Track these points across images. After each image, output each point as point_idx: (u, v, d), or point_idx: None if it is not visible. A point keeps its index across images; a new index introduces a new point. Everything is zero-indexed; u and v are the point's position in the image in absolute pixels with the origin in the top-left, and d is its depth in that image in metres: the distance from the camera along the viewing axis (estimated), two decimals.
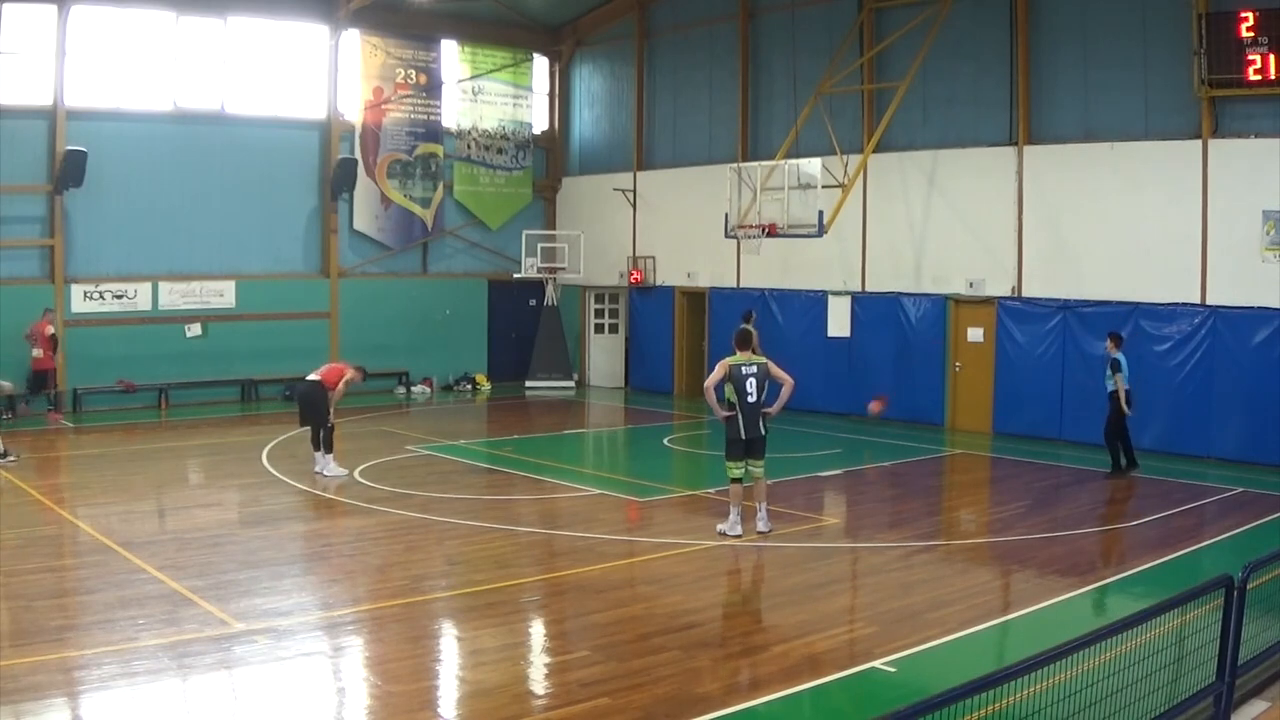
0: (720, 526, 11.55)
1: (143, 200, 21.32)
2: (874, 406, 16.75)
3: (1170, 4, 16.79)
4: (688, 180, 24.07)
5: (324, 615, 8.94)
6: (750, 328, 12.04)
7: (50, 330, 19.47)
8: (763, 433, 11.42)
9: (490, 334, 26.25)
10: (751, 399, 11.31)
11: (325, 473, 14.55)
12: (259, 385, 22.60)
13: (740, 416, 11.33)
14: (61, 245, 20.56)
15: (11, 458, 15.27)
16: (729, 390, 11.33)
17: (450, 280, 25.69)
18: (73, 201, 20.60)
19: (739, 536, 11.36)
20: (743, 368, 11.33)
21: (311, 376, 15.05)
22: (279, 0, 22.59)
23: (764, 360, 11.49)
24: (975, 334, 19.41)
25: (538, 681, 7.72)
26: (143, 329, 21.15)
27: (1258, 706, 6.71)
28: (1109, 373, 14.92)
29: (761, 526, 11.57)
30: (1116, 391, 14.76)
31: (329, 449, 14.69)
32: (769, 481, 11.99)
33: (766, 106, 22.83)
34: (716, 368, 11.44)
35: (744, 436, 11.34)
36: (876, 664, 7.81)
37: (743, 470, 11.43)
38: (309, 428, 15.01)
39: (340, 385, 14.78)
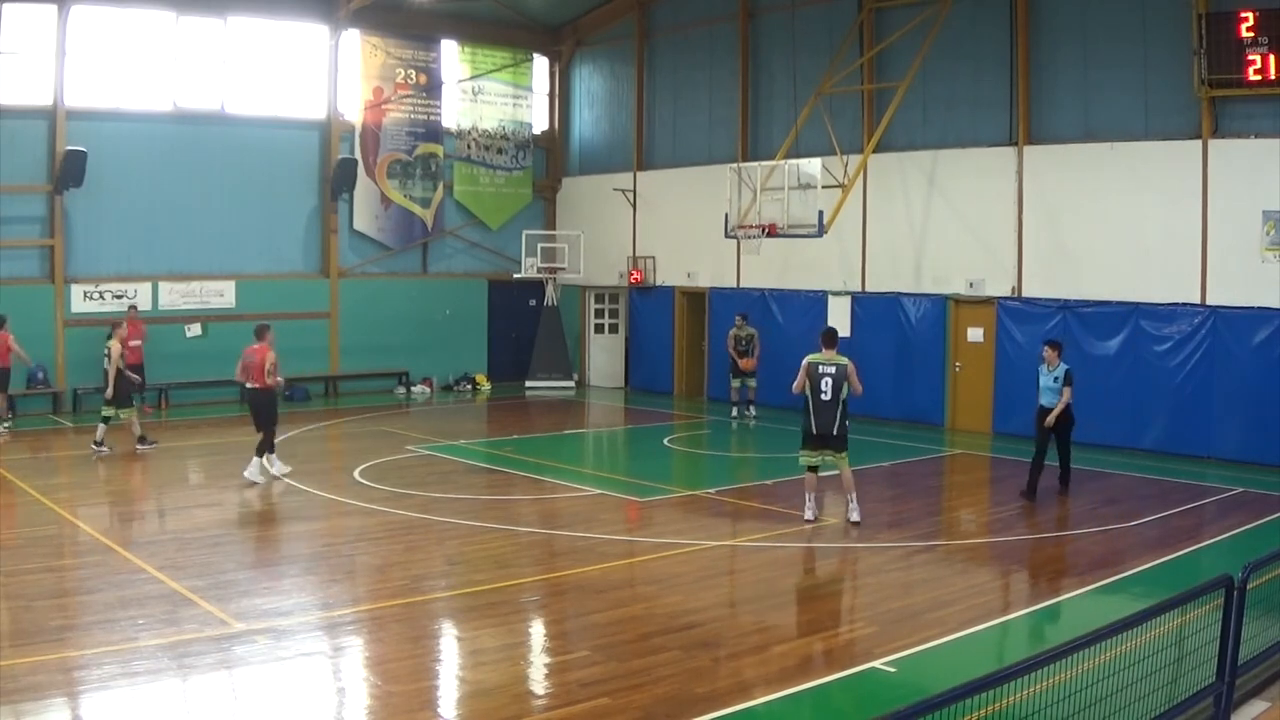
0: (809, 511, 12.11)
1: (143, 200, 21.33)
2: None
3: (1170, 4, 16.79)
4: (688, 180, 24.07)
5: (324, 615, 8.94)
6: (832, 327, 12.84)
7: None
8: (835, 431, 11.97)
9: (490, 334, 26.25)
10: (825, 397, 11.90)
11: (275, 472, 14.31)
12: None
13: (811, 411, 11.94)
14: (61, 245, 20.56)
15: (153, 442, 16.60)
16: (807, 385, 11.97)
17: (450, 280, 25.70)
18: (73, 201, 20.60)
19: (810, 520, 11.97)
20: (820, 366, 11.95)
21: (250, 384, 14.36)
22: (279, 0, 22.59)
23: (845, 363, 12.03)
24: (975, 334, 19.41)
25: (538, 681, 7.72)
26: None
27: (1258, 706, 6.71)
28: (1060, 384, 13.46)
29: (854, 516, 12.09)
30: (1065, 404, 13.43)
31: (271, 449, 14.39)
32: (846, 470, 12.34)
33: (766, 106, 22.83)
34: (801, 367, 12.04)
35: (815, 431, 11.95)
36: (876, 664, 7.81)
37: (817, 460, 12.08)
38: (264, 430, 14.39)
39: (271, 376, 14.14)
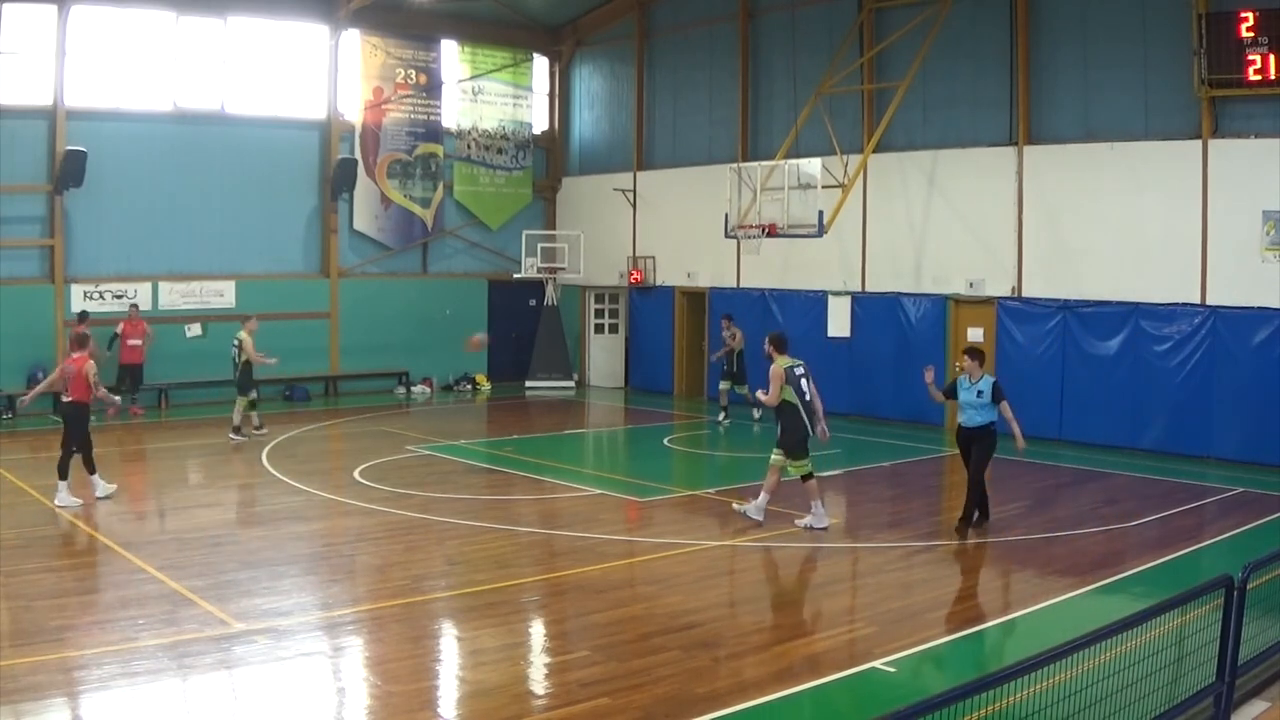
0: (804, 521, 11.85)
1: (143, 200, 21.33)
2: (475, 341, 18.59)
3: (1170, 4, 16.80)
4: (688, 180, 24.06)
5: (324, 615, 8.94)
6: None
7: (117, 330, 20.46)
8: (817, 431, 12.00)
9: (490, 334, 26.21)
10: (807, 397, 11.79)
11: (99, 495, 12.90)
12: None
13: (806, 415, 11.74)
14: (61, 245, 20.56)
15: (263, 429, 17.88)
16: (786, 392, 11.67)
17: (450, 280, 25.69)
18: (73, 201, 20.60)
19: (826, 528, 11.74)
20: (795, 369, 11.81)
21: (66, 398, 12.93)
22: (279, 0, 22.59)
23: (803, 362, 12.04)
24: (975, 334, 19.39)
25: (538, 681, 7.72)
26: None
27: (1258, 706, 6.71)
28: (988, 399, 11.62)
29: (825, 522, 11.97)
30: (1003, 423, 11.68)
31: (92, 469, 12.98)
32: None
33: (766, 106, 22.83)
34: (773, 376, 11.73)
35: (812, 433, 11.78)
36: (876, 664, 7.81)
37: (811, 465, 11.90)
38: (80, 450, 12.90)
39: (93, 387, 12.86)
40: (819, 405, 11.98)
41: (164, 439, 18.41)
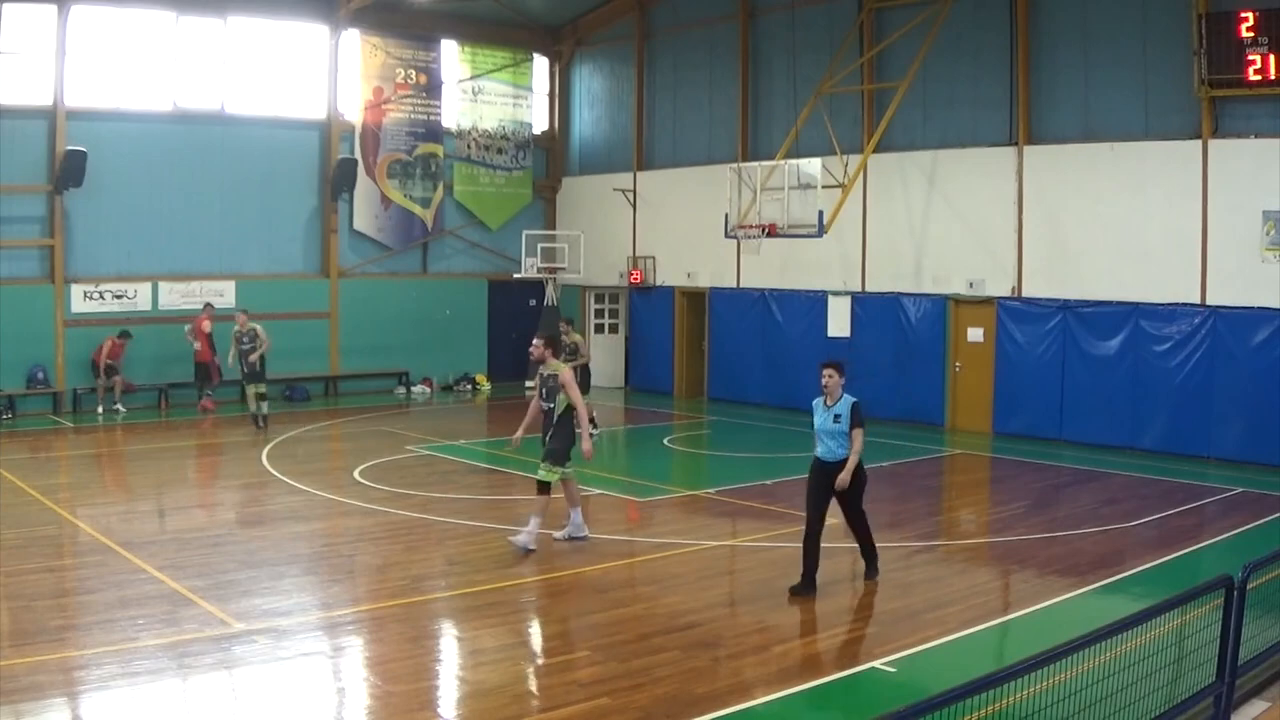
0: (524, 535, 10.87)
1: (143, 200, 21.32)
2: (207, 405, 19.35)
3: (1170, 4, 16.80)
4: (688, 180, 24.07)
5: (324, 615, 8.94)
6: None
7: (207, 327, 20.82)
8: None
9: (490, 334, 26.24)
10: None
11: None
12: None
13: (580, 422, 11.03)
14: (61, 245, 20.55)
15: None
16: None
17: (450, 280, 25.69)
18: (73, 201, 20.60)
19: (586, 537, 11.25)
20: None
21: None
22: (279, 0, 22.59)
23: None
24: (975, 334, 19.41)
25: (538, 681, 7.72)
26: (143, 329, 21.13)
27: (1258, 706, 6.71)
28: (846, 425, 9.48)
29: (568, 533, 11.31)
30: (858, 458, 9.53)
31: None
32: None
33: (766, 106, 22.83)
34: (569, 382, 10.81)
35: (577, 443, 11.06)
36: (876, 664, 7.81)
37: None
38: None
39: None
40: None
41: (164, 439, 18.41)
